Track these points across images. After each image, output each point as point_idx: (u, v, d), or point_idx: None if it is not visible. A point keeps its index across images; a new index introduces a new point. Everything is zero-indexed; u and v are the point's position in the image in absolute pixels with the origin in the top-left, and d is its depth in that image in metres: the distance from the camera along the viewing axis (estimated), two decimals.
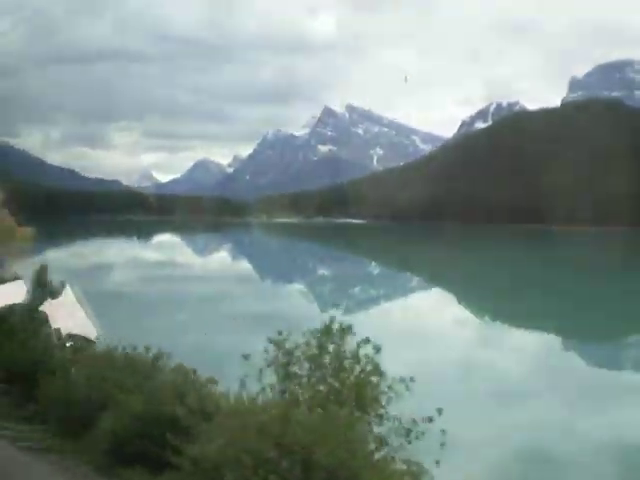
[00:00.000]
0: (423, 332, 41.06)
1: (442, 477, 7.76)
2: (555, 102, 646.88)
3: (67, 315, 15.80)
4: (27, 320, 15.89)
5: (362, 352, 8.79)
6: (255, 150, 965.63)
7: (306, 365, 9.06)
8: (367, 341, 8.99)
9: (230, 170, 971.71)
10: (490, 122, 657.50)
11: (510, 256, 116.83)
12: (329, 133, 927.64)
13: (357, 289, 74.71)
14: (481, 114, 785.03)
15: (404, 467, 7.67)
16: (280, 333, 8.90)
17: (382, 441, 7.99)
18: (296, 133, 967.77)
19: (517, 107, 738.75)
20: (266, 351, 9.00)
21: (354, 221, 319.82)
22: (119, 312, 35.44)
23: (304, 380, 8.86)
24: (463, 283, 73.90)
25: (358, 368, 8.77)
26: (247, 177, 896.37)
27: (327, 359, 8.84)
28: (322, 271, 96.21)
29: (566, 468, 16.95)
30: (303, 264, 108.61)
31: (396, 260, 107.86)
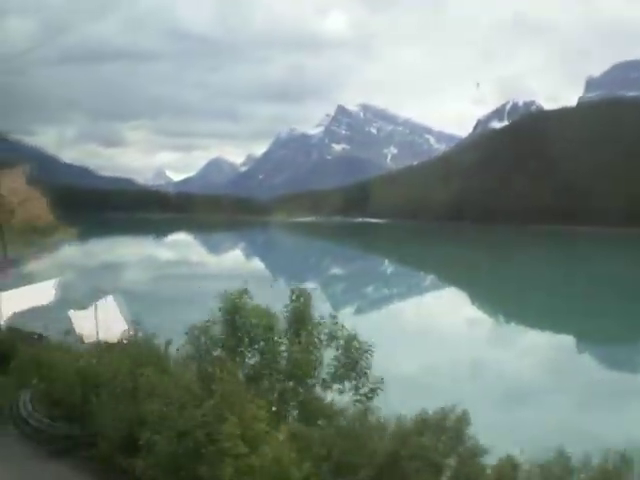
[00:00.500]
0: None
1: None
2: (571, 101, 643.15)
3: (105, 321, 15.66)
4: None
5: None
6: (269, 149, 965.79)
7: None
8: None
9: (243, 169, 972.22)
10: (506, 121, 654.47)
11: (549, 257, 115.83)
12: (343, 132, 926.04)
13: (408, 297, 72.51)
14: (497, 113, 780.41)
15: None
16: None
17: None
18: (310, 132, 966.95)
19: (533, 106, 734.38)
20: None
21: (374, 220, 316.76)
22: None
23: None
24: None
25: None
26: (260, 176, 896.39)
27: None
28: (357, 273, 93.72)
29: None
30: (334, 265, 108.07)
31: (434, 265, 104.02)
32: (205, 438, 8.41)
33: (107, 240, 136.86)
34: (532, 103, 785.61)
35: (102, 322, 15.59)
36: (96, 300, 16.85)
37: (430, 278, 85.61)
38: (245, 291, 11.72)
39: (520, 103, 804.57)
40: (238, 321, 11.25)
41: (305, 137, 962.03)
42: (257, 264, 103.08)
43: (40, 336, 17.37)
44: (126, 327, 15.03)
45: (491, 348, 37.64)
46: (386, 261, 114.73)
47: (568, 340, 41.09)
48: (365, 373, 11.56)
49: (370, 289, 74.21)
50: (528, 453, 9.06)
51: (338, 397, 11.55)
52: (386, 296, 69.50)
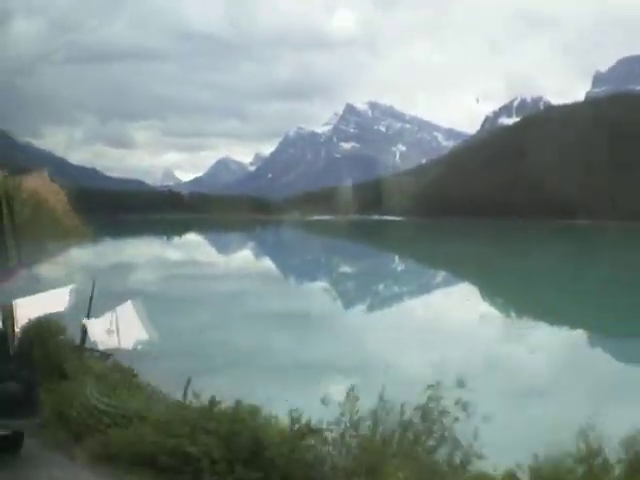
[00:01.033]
0: None
1: None
2: (579, 97, 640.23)
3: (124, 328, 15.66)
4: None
5: None
6: (277, 148, 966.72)
7: None
8: None
9: (252, 168, 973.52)
10: (515, 117, 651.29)
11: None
12: (352, 130, 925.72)
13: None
14: (505, 109, 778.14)
15: None
16: None
17: None
18: (318, 130, 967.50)
19: (541, 102, 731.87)
20: None
21: (390, 218, 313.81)
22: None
23: None
24: None
25: None
26: (269, 175, 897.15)
27: None
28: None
29: None
30: (346, 263, 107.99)
31: (449, 262, 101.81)
32: None
33: (118, 241, 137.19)
34: (540, 99, 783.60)
35: (120, 329, 15.55)
36: (112, 306, 16.94)
37: (444, 275, 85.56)
38: None
39: (528, 99, 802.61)
40: None
41: (313, 136, 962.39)
42: (269, 263, 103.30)
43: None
44: (145, 335, 15.00)
45: (505, 344, 37.63)
46: (398, 258, 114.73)
47: (582, 335, 41.04)
48: None
49: (382, 286, 74.23)
50: (540, 451, 9.04)
51: None
52: (399, 293, 69.60)
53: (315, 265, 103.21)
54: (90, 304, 17.78)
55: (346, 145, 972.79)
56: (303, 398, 12.95)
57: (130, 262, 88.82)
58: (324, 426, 10.58)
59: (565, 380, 27.08)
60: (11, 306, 16.05)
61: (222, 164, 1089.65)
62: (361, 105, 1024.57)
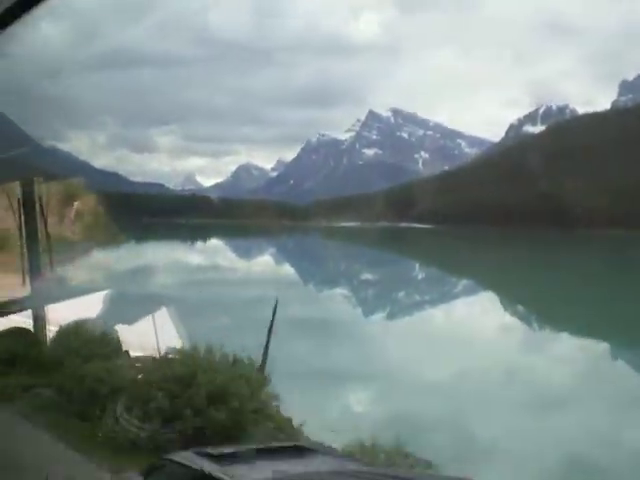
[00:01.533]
0: None
1: None
2: (605, 105, 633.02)
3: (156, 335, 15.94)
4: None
5: None
6: (299, 154, 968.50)
7: None
8: None
9: (274, 174, 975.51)
10: (539, 125, 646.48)
11: None
12: (374, 137, 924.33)
13: None
14: (530, 117, 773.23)
15: None
16: None
17: None
18: (340, 137, 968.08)
19: (567, 110, 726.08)
20: None
21: (420, 225, 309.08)
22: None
23: None
24: None
25: None
26: (291, 181, 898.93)
27: None
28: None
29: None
30: (370, 270, 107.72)
31: (476, 272, 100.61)
32: None
33: (141, 245, 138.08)
34: (566, 107, 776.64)
35: (155, 336, 15.84)
36: (145, 312, 17.25)
37: (467, 284, 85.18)
38: None
39: (554, 107, 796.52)
40: None
41: (336, 142, 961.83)
42: (292, 269, 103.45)
43: None
44: (179, 341, 15.24)
45: (527, 355, 37.62)
46: (422, 266, 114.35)
47: (605, 347, 40.91)
48: None
49: (403, 294, 74.27)
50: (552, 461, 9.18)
51: None
52: (421, 301, 69.58)
53: (337, 272, 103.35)
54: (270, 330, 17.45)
55: (368, 152, 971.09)
56: (321, 405, 13.31)
57: (152, 266, 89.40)
58: None
59: (585, 392, 27.12)
60: (43, 311, 16.49)
61: (243, 169, 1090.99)
62: (384, 111, 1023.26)
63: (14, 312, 15.99)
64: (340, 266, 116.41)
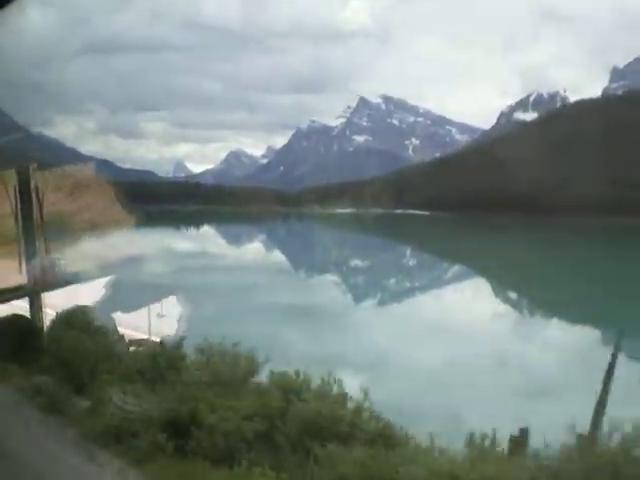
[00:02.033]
0: None
1: None
2: (595, 93, 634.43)
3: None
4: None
5: None
6: (289, 141, 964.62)
7: None
8: None
9: (264, 161, 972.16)
10: (530, 112, 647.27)
11: None
12: (364, 123, 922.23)
13: None
14: (521, 104, 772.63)
15: None
16: None
17: None
18: (331, 124, 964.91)
19: (558, 97, 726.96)
20: None
21: (414, 212, 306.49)
22: None
23: None
24: None
25: None
26: (281, 168, 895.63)
27: None
28: None
29: None
30: (361, 257, 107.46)
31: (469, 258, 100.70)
32: None
33: (132, 233, 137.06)
34: (556, 94, 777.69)
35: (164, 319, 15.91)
36: (129, 298, 17.36)
37: (459, 270, 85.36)
38: None
39: (544, 94, 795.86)
40: None
41: (326, 129, 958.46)
42: (285, 256, 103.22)
43: None
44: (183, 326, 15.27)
45: (516, 341, 37.87)
46: (414, 252, 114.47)
47: (595, 333, 41.19)
48: None
49: (395, 281, 74.37)
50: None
51: None
52: (411, 288, 69.73)
53: (328, 258, 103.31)
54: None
55: (359, 138, 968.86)
56: None
57: (144, 254, 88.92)
58: None
59: (574, 379, 27.34)
60: (40, 298, 16.52)
61: (233, 156, 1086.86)
62: (374, 98, 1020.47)
63: (12, 299, 16.04)
64: (331, 253, 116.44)
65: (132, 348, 15.25)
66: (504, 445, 9.01)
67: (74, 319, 15.38)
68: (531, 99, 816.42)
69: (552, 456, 7.77)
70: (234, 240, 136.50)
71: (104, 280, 20.48)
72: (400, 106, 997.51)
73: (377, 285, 68.84)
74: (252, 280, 63.57)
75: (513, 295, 61.78)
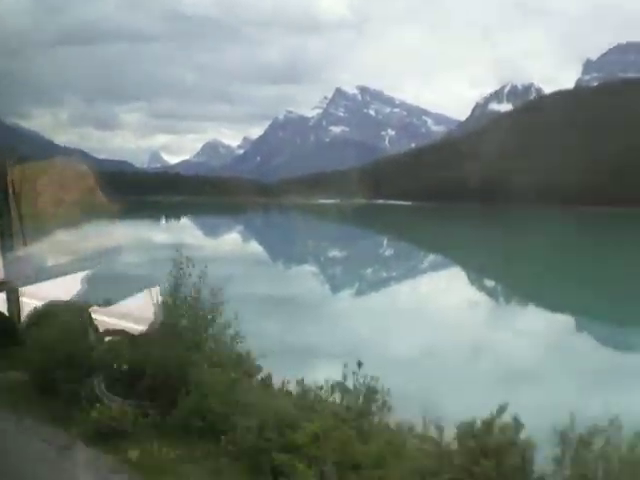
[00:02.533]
0: None
1: None
2: (569, 84, 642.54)
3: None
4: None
5: None
6: (266, 131, 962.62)
7: None
8: None
9: (240, 152, 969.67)
10: (505, 103, 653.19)
11: None
12: (341, 114, 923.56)
13: None
14: (495, 95, 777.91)
15: None
16: None
17: None
18: (307, 114, 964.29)
19: (532, 89, 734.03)
20: None
21: (396, 202, 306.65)
22: None
23: None
24: None
25: None
26: (258, 158, 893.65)
27: None
28: None
29: None
30: (341, 247, 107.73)
31: (447, 247, 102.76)
32: None
33: (108, 224, 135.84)
34: (531, 85, 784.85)
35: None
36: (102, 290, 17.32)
37: (436, 259, 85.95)
38: None
39: (519, 85, 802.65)
40: None
41: (303, 119, 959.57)
42: (263, 247, 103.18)
43: None
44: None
45: (493, 329, 38.27)
46: (393, 242, 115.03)
47: (570, 320, 41.72)
48: None
49: (372, 270, 74.65)
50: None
51: None
52: (392, 277, 70.07)
53: (306, 249, 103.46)
54: None
55: (335, 129, 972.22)
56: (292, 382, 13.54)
57: (121, 246, 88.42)
58: None
59: (549, 365, 27.73)
60: (17, 293, 16.44)
61: (210, 147, 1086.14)
62: (351, 89, 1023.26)
63: None
64: (309, 243, 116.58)
65: (108, 339, 15.21)
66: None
67: (51, 313, 15.33)
68: (506, 90, 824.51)
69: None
70: (211, 231, 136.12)
71: (81, 273, 20.27)
72: (376, 97, 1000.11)
73: (355, 275, 69.03)
74: (229, 271, 63.53)
75: (489, 283, 62.30)
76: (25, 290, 16.90)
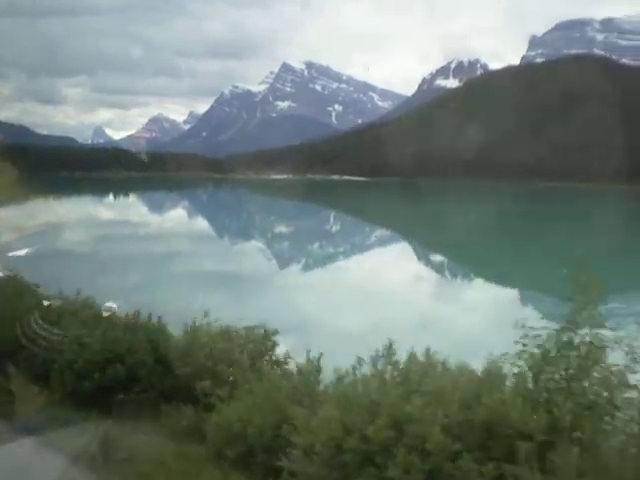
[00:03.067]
0: None
1: None
2: (514, 60, 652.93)
3: None
4: None
5: None
6: (212, 106, 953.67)
7: None
8: None
9: (186, 127, 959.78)
10: (452, 79, 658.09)
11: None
12: (287, 89, 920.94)
13: None
14: (442, 71, 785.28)
15: None
16: None
17: None
18: (254, 89, 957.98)
19: (478, 64, 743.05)
20: None
21: (352, 178, 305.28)
22: None
23: None
24: None
25: None
26: (204, 134, 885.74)
27: None
28: None
29: None
30: (291, 222, 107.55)
31: (397, 221, 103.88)
32: None
33: (53, 201, 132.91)
34: (477, 61, 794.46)
35: None
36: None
37: (383, 234, 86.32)
38: None
39: (465, 61, 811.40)
40: None
41: (249, 94, 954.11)
42: (211, 223, 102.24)
43: None
44: None
45: (439, 303, 38.45)
46: (341, 217, 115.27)
47: (514, 293, 42.13)
48: None
49: (320, 245, 74.48)
50: None
51: None
52: (339, 252, 70.01)
53: (253, 225, 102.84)
54: None
55: (282, 104, 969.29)
56: None
57: (64, 222, 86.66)
58: None
59: (494, 338, 27.81)
60: None
61: (155, 122, 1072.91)
62: (297, 64, 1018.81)
63: None
64: (256, 219, 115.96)
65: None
66: None
67: None
68: (452, 66, 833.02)
69: None
70: (158, 207, 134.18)
71: (25, 250, 19.66)
72: (323, 72, 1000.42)
73: (302, 251, 68.70)
74: (175, 248, 62.71)
75: (436, 258, 62.72)
76: None
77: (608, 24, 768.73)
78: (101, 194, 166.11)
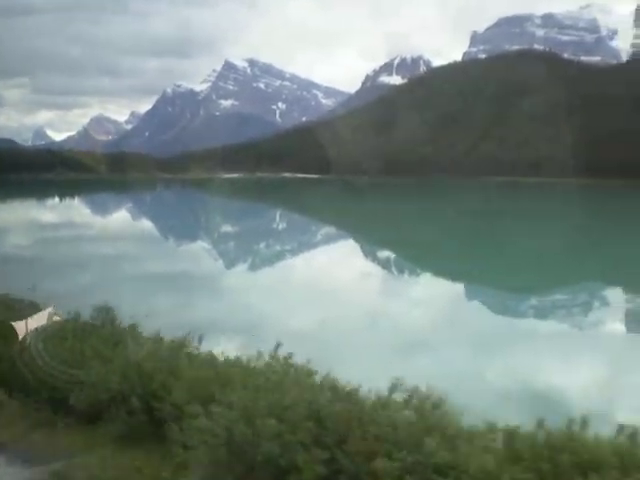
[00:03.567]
0: None
1: None
2: (456, 56, 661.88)
3: None
4: None
5: None
6: (154, 106, 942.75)
7: None
8: None
9: (128, 127, 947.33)
10: (395, 75, 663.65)
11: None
12: (230, 87, 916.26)
13: None
14: (385, 68, 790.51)
15: None
16: None
17: None
18: (196, 88, 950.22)
19: (421, 61, 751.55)
20: None
21: (304, 175, 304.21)
22: None
23: None
24: None
25: None
26: (146, 133, 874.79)
27: None
28: None
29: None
30: (239, 222, 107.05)
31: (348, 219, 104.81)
32: None
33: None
34: (420, 58, 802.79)
35: None
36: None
37: (330, 232, 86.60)
38: None
39: (408, 58, 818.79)
40: None
41: (192, 93, 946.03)
42: (153, 224, 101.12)
43: None
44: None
45: (386, 299, 38.78)
46: (289, 215, 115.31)
47: (460, 288, 42.78)
48: None
49: (266, 244, 74.37)
50: None
51: None
52: (286, 250, 69.99)
53: (198, 225, 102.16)
54: None
55: (225, 103, 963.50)
56: None
57: (4, 226, 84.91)
58: None
59: (440, 333, 28.30)
60: None
61: (96, 122, 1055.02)
62: (240, 62, 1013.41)
63: None
64: (202, 219, 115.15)
65: None
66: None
67: None
68: (395, 63, 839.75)
69: None
70: (102, 209, 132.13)
71: None
72: (266, 70, 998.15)
73: (248, 250, 68.48)
74: (119, 250, 61.95)
75: (384, 254, 63.21)
76: None
77: (549, 20, 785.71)
78: (43, 196, 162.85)
